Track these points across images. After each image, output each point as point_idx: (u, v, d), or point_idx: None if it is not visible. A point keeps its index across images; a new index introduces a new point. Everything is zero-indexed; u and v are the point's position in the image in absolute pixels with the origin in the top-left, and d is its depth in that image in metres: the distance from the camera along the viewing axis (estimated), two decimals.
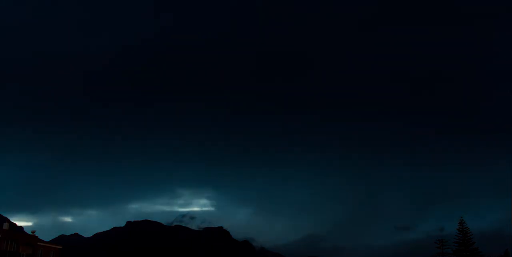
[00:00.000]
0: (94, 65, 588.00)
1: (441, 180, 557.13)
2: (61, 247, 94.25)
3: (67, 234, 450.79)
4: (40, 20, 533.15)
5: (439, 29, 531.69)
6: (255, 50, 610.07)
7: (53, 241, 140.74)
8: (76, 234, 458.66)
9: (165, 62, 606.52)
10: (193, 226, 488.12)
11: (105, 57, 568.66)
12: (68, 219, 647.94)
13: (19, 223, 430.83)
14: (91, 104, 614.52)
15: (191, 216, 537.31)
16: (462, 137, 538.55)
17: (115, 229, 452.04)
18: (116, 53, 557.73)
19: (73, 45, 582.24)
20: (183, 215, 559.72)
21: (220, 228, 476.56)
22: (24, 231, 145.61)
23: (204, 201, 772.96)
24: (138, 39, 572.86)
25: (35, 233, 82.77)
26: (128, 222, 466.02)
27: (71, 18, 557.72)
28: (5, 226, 78.90)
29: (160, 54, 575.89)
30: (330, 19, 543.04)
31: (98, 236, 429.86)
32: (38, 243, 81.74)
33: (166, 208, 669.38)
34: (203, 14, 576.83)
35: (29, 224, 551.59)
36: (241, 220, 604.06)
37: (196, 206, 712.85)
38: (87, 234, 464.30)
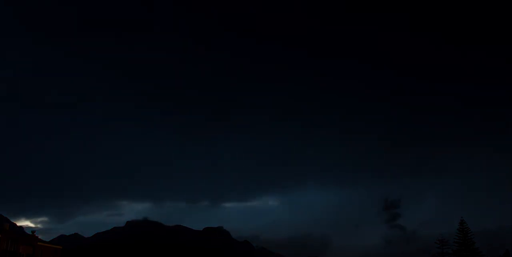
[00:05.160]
0: None
1: None
2: (61, 247, 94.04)
3: (67, 234, 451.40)
4: None
5: None
6: None
7: (53, 241, 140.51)
8: (76, 234, 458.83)
9: None
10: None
11: None
12: (68, 218, 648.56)
13: (19, 223, 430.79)
14: None
15: None
16: None
17: (115, 229, 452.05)
18: None
19: None
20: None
21: (220, 228, 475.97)
22: (24, 231, 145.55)
23: None
24: None
25: (35, 233, 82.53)
26: (128, 222, 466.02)
27: None
28: (5, 226, 78.66)
29: None
30: None
31: (98, 236, 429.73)
32: (38, 243, 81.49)
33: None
34: None
35: (30, 224, 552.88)
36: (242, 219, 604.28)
37: None
38: (87, 234, 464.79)
